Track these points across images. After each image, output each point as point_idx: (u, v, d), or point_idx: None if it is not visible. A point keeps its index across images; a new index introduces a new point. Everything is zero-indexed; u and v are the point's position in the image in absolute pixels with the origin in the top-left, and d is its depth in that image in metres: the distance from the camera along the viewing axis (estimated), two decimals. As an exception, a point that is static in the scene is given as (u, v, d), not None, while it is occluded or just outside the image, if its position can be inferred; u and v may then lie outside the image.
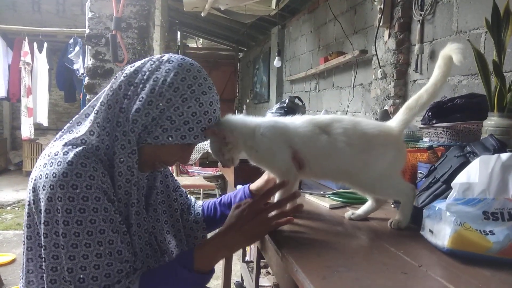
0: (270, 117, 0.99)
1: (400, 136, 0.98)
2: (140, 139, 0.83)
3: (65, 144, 0.81)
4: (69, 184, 0.75)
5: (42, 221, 0.77)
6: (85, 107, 0.92)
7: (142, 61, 0.87)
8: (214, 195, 4.60)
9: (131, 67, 0.86)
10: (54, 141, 0.87)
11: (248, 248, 2.83)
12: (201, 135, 0.85)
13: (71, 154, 0.77)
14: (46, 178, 0.76)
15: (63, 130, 0.89)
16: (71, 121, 0.90)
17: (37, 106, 5.82)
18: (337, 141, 0.92)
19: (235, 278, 2.89)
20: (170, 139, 0.83)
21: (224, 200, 1.17)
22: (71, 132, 0.87)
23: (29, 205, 0.82)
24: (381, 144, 0.94)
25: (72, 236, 0.75)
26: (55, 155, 0.79)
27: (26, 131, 5.68)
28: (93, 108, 0.86)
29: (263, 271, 2.73)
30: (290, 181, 0.96)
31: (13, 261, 3.30)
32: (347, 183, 1.02)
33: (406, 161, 1.45)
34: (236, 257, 2.96)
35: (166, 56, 0.86)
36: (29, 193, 0.81)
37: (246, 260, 2.67)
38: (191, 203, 1.16)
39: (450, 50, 0.93)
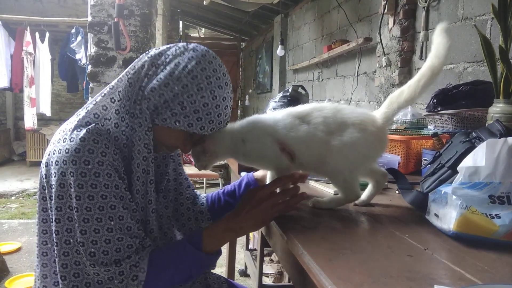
0: (248, 119, 0.99)
1: (383, 127, 0.95)
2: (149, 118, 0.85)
3: (79, 121, 0.84)
4: (81, 160, 0.77)
5: (56, 195, 0.80)
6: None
7: (167, 46, 0.89)
8: (217, 184, 4.62)
9: (156, 49, 0.88)
10: (77, 115, 0.88)
11: (251, 236, 2.85)
12: (207, 127, 0.85)
13: (83, 131, 0.79)
14: (59, 153, 0.79)
15: (83, 108, 0.90)
16: (90, 100, 0.92)
17: (40, 96, 5.83)
18: (316, 130, 0.92)
19: (238, 266, 2.91)
20: (177, 124, 0.83)
21: (228, 189, 1.18)
22: (89, 104, 0.89)
23: (42, 178, 0.84)
24: (359, 133, 0.92)
25: (84, 210, 0.78)
26: (69, 131, 0.81)
27: (29, 121, 5.69)
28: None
29: (266, 259, 2.75)
30: (286, 172, 0.97)
31: (18, 249, 3.33)
32: (325, 175, 1.01)
33: (410, 152, 1.45)
34: (240, 245, 2.98)
35: (192, 45, 0.88)
36: (43, 167, 0.84)
37: (249, 248, 2.69)
38: (196, 195, 1.17)
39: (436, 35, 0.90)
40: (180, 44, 0.88)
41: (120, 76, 0.88)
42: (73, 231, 0.80)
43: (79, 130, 0.80)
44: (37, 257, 0.89)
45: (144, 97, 0.83)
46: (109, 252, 0.79)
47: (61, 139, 0.81)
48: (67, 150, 0.78)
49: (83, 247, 0.78)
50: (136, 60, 0.89)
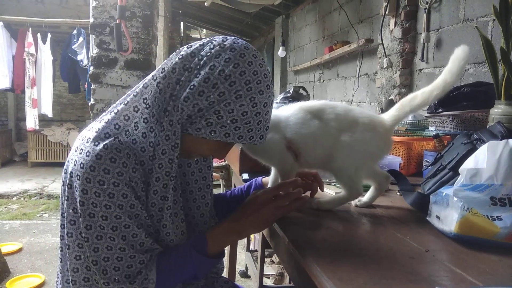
0: None
1: (390, 130, 0.98)
2: (182, 127, 0.78)
3: (99, 131, 0.77)
4: (96, 179, 0.73)
5: (71, 208, 0.78)
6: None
7: (201, 43, 0.79)
8: (218, 185, 4.62)
9: (188, 47, 0.79)
10: (99, 121, 0.82)
11: (252, 238, 2.85)
12: (246, 136, 0.77)
13: (100, 146, 0.74)
14: (75, 165, 0.75)
15: (107, 112, 0.84)
16: (114, 104, 0.85)
17: (41, 97, 5.84)
18: (328, 126, 0.94)
19: (239, 267, 2.91)
20: (212, 134, 0.76)
21: (234, 193, 1.17)
22: (110, 113, 0.83)
23: (62, 185, 0.81)
24: (369, 132, 0.94)
25: (98, 228, 0.75)
26: (86, 142, 0.76)
27: (31, 122, 5.71)
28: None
29: (267, 260, 2.75)
30: (289, 171, 0.98)
31: (19, 250, 3.34)
32: (330, 171, 1.00)
33: (412, 153, 1.45)
34: (241, 246, 2.98)
35: (229, 42, 0.77)
36: (63, 172, 0.80)
37: (250, 249, 2.69)
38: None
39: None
40: (216, 41, 0.78)
41: (145, 81, 0.81)
42: (84, 247, 0.78)
43: (96, 143, 0.74)
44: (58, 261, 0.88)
45: (177, 108, 0.75)
46: (121, 269, 0.77)
47: (79, 148, 0.76)
48: (82, 165, 0.73)
49: (96, 265, 0.76)
50: (165, 61, 0.80)
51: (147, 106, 0.78)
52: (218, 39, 0.79)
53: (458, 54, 0.91)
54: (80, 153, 0.75)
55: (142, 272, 0.79)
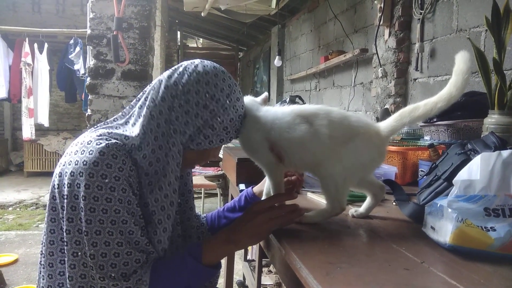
0: (251, 112, 0.98)
1: (385, 140, 0.96)
2: (183, 146, 0.89)
3: (100, 135, 0.85)
4: (99, 173, 0.78)
5: (69, 206, 0.80)
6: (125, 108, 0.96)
7: (178, 72, 0.89)
8: (215, 194, 4.61)
9: (168, 77, 0.89)
10: (91, 131, 0.90)
11: (249, 247, 2.84)
12: (234, 136, 0.93)
13: (103, 144, 0.80)
14: (76, 164, 0.79)
15: (105, 122, 0.93)
16: (115, 117, 0.94)
17: (38, 106, 5.84)
18: (318, 132, 0.90)
19: (237, 277, 2.90)
20: (211, 144, 0.90)
21: (228, 206, 1.19)
22: (106, 123, 0.92)
23: (54, 188, 0.84)
24: (363, 143, 0.92)
25: (97, 223, 0.78)
26: (87, 143, 0.82)
27: (27, 131, 5.70)
28: (131, 109, 0.92)
29: (265, 269, 2.73)
30: (274, 171, 0.98)
31: (15, 261, 3.31)
32: (318, 177, 0.99)
33: (407, 163, 1.46)
34: (238, 256, 2.97)
35: (200, 66, 0.89)
36: (55, 177, 0.84)
37: (248, 259, 2.68)
38: (198, 214, 1.18)
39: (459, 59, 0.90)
40: (190, 68, 0.89)
41: (139, 103, 0.90)
42: (81, 244, 0.80)
43: (99, 143, 0.81)
44: (43, 267, 0.88)
45: (179, 131, 0.87)
46: (117, 265, 0.79)
47: (79, 151, 0.81)
48: (85, 162, 0.78)
49: (93, 259, 0.79)
50: (149, 90, 0.90)
51: (143, 132, 0.85)
52: (190, 66, 0.90)
53: (461, 66, 0.89)
54: (82, 153, 0.80)
55: (137, 272, 0.81)
